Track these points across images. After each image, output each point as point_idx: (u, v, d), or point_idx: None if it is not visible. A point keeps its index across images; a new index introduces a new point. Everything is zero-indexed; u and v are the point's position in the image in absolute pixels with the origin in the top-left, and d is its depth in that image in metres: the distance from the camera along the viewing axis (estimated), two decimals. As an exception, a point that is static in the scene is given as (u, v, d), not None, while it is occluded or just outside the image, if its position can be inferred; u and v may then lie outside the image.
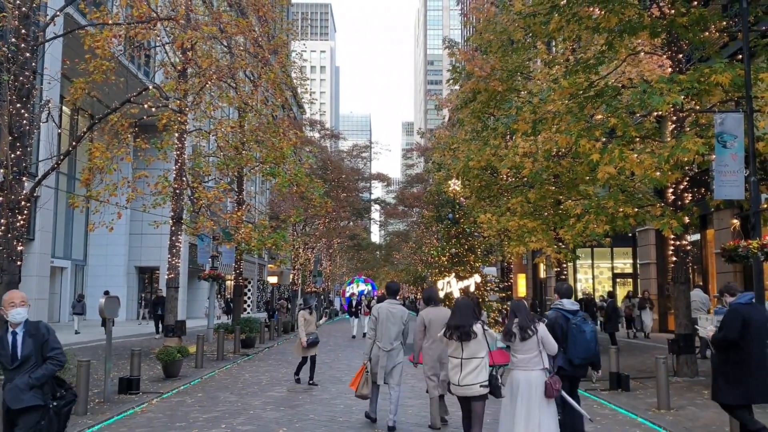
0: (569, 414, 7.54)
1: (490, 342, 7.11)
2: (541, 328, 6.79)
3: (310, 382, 13.41)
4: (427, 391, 9.30)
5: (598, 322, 26.17)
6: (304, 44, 30.35)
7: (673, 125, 13.29)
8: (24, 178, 11.15)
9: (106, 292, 27.81)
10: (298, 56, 27.56)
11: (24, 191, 11.09)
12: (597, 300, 27.16)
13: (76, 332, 25.73)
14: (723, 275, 18.49)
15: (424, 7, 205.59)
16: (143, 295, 36.97)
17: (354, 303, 32.20)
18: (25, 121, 10.95)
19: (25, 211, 11.02)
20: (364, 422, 9.47)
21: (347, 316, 33.82)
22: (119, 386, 11.77)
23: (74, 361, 10.41)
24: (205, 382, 13.81)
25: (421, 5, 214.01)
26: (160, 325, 25.39)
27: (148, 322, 33.20)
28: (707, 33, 13.27)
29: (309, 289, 47.96)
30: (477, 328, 6.99)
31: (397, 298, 9.66)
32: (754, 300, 7.32)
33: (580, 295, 31.13)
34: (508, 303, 26.84)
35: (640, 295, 24.95)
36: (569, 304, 7.84)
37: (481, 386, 6.89)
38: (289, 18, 48.74)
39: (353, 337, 28.37)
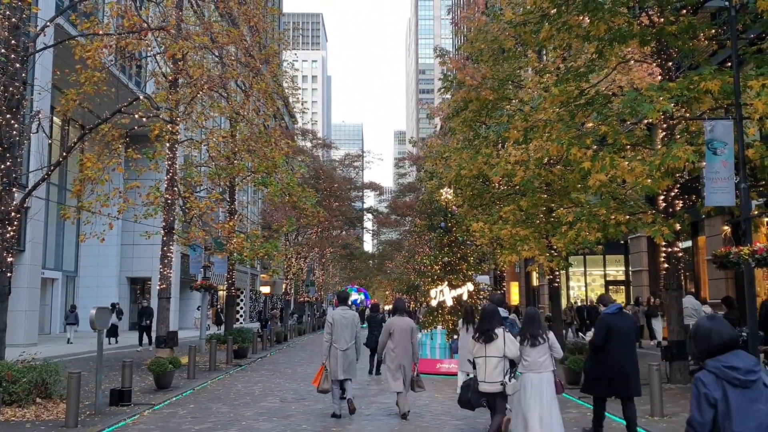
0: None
1: (512, 347, 7.83)
2: (551, 336, 7.77)
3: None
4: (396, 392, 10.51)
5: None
6: (296, 54, 30.43)
7: (664, 133, 13.35)
8: (14, 189, 11.10)
9: (113, 305, 27.78)
10: (289, 66, 27.61)
11: (14, 202, 11.04)
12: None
13: (70, 342, 25.91)
14: (715, 282, 18.56)
15: (416, 16, 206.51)
16: (114, 303, 33.71)
17: None
18: (15, 132, 10.92)
19: (15, 222, 10.97)
20: (358, 432, 9.44)
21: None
22: (110, 398, 11.67)
23: (65, 372, 10.34)
24: (198, 393, 13.72)
25: (412, 15, 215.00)
26: (145, 337, 24.93)
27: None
28: (696, 41, 13.36)
29: (302, 299, 47.83)
30: (499, 331, 7.88)
31: (349, 304, 11.34)
32: (621, 309, 8.76)
33: (578, 303, 31.20)
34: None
35: (645, 303, 23.00)
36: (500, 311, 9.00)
37: (501, 384, 7.76)
38: (280, 28, 48.85)
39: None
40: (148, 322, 24.65)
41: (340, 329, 10.56)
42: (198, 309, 40.82)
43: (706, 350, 3.59)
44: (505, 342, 7.80)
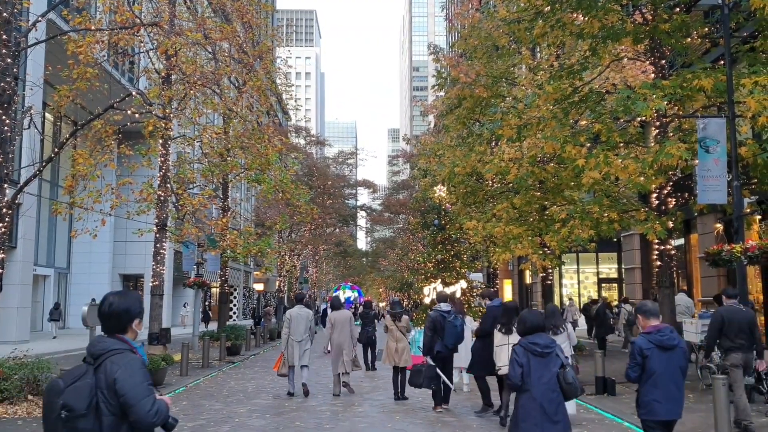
0: (443, 384, 10.62)
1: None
2: (569, 326, 9.79)
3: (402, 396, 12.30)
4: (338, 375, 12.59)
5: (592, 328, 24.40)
6: (289, 50, 30.22)
7: (657, 130, 13.37)
8: (5, 185, 11.04)
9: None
10: (283, 62, 27.52)
11: (6, 198, 10.98)
12: (613, 306, 24.62)
13: (54, 337, 26.17)
14: (707, 279, 18.62)
15: (409, 13, 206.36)
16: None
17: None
18: (6, 128, 10.85)
19: (7, 219, 10.91)
20: (351, 430, 9.42)
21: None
22: (103, 395, 11.61)
23: (56, 369, 10.29)
24: (190, 390, 13.70)
25: (406, 12, 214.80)
26: None
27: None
28: (689, 39, 13.39)
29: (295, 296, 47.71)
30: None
31: (303, 303, 13.15)
32: (503, 303, 10.53)
33: (566, 301, 31.18)
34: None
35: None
36: (445, 306, 10.77)
37: None
38: (273, 24, 48.68)
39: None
40: None
41: (296, 324, 12.44)
42: (185, 306, 40.79)
43: (522, 330, 5.51)
44: None
